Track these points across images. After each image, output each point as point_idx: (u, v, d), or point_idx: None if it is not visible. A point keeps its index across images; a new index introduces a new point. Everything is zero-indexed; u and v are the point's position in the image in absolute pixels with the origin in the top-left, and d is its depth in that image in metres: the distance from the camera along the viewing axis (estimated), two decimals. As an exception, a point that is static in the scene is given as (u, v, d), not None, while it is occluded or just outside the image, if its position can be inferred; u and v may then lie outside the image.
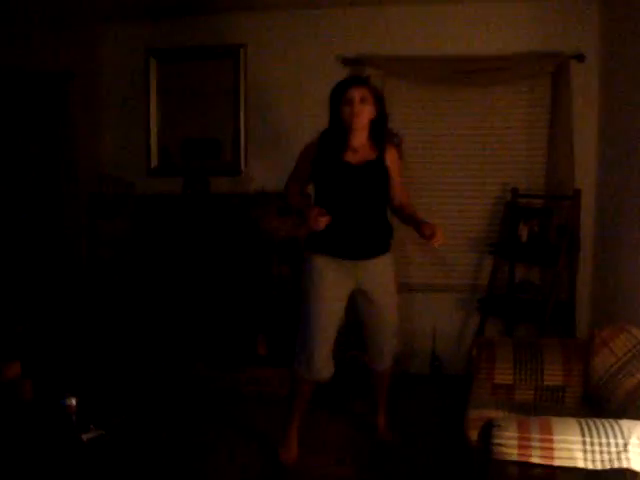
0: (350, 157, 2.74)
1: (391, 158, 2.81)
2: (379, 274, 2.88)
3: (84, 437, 2.30)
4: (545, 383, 2.75)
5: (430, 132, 4.12)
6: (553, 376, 2.77)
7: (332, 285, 2.79)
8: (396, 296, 3.00)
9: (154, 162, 4.44)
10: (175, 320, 4.14)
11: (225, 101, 4.31)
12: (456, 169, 4.12)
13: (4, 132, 3.90)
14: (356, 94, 2.65)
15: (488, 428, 1.93)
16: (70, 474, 2.21)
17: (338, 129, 2.71)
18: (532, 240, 3.81)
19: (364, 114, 2.67)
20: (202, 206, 4.16)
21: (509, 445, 1.85)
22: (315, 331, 2.79)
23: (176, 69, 4.38)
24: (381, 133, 2.79)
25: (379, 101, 2.74)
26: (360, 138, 2.74)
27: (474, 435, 2.14)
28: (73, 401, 2.38)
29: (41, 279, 3.92)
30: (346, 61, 4.07)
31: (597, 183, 3.90)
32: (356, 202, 2.73)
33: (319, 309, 2.79)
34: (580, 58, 3.82)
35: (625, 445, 1.83)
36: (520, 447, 1.83)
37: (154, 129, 4.43)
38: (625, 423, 1.93)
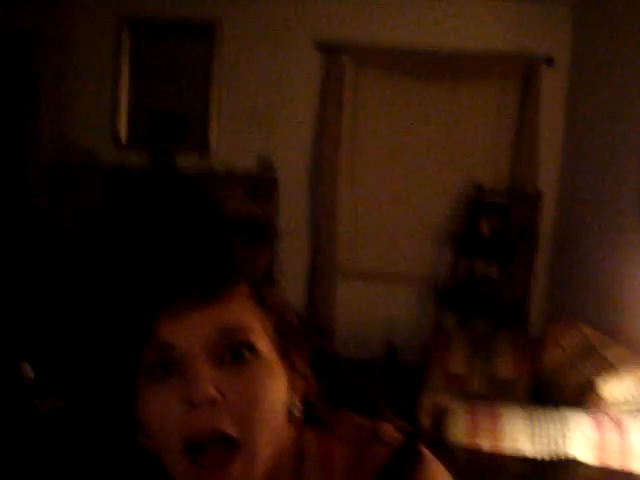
0: None
1: None
2: None
3: (40, 406, 2.28)
4: (497, 375, 2.84)
5: (398, 123, 4.16)
6: (505, 369, 2.87)
7: None
8: None
9: (122, 134, 4.37)
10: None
11: (198, 77, 4.27)
12: (422, 162, 4.17)
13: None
14: (193, 339, 0.64)
15: (441, 414, 2.00)
16: (24, 443, 2.19)
17: None
18: (493, 236, 3.90)
19: (257, 415, 0.64)
20: (167, 183, 4.11)
21: (459, 429, 1.92)
22: None
23: (150, 41, 4.30)
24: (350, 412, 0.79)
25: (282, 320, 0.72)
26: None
27: (426, 421, 2.20)
28: (29, 369, 2.36)
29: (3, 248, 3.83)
30: (321, 46, 4.07)
31: (559, 184, 4.01)
32: None
33: None
34: (550, 62, 3.90)
35: (567, 433, 1.92)
36: (470, 431, 1.90)
37: (123, 101, 4.35)
38: (568, 412, 2.02)
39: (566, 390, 2.49)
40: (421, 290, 4.26)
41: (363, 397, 0.81)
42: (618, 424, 1.96)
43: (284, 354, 0.69)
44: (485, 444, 1.89)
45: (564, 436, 1.92)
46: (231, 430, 0.62)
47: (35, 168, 4.09)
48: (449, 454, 1.94)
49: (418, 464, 0.71)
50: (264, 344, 0.66)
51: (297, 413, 0.70)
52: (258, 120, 4.13)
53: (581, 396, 2.34)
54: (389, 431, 0.74)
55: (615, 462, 1.89)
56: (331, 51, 4.05)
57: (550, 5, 3.91)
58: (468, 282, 4.09)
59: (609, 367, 2.31)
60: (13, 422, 2.27)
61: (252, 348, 0.65)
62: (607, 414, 2.10)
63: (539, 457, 1.90)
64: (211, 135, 4.27)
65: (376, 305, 4.23)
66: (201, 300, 0.63)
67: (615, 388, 2.18)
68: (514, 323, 3.82)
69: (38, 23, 4.02)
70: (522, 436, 1.91)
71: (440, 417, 2.00)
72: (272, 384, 0.66)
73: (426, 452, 0.74)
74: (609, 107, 3.32)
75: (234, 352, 0.64)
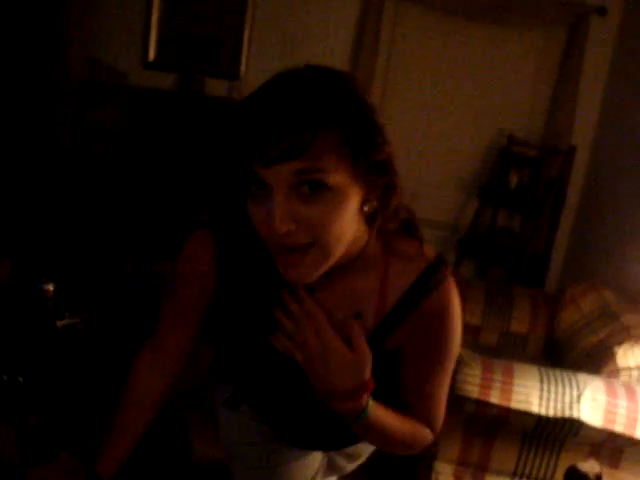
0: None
1: (421, 329, 1.05)
2: None
3: (58, 323, 2.34)
4: (511, 329, 2.85)
5: (434, 65, 4.03)
6: (519, 323, 2.87)
7: None
8: None
9: (152, 54, 4.29)
10: (153, 217, 4.12)
11: (234, 1, 4.15)
12: (455, 107, 4.07)
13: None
14: (279, 177, 0.85)
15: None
16: (42, 358, 2.25)
17: (250, 244, 1.00)
18: (520, 189, 3.83)
19: (324, 231, 0.88)
20: (196, 107, 4.07)
21: (472, 382, 1.93)
22: None
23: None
24: (400, 239, 1.07)
25: (373, 156, 0.90)
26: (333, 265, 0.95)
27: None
28: (50, 287, 2.39)
29: (25, 167, 3.85)
30: (363, -24, 3.92)
31: (593, 142, 3.90)
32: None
33: None
34: (602, 11, 3.72)
35: (579, 396, 1.93)
36: (482, 386, 1.92)
37: (155, 20, 4.25)
38: (582, 376, 2.03)
39: (579, 350, 2.50)
40: (441, 236, 4.23)
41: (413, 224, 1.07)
42: (629, 391, 1.96)
43: (366, 181, 0.89)
44: (495, 398, 1.91)
45: (573, 397, 1.93)
46: (306, 241, 0.86)
47: (63, 86, 4.05)
48: (458, 403, 1.96)
49: (440, 284, 1.02)
50: (339, 179, 0.84)
51: (371, 220, 0.96)
52: (291, 49, 4.03)
53: (594, 358, 2.34)
54: (428, 252, 1.05)
55: (621, 427, 1.91)
56: (371, -16, 3.89)
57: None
58: (490, 232, 4.06)
59: (625, 332, 2.30)
60: (32, 336, 2.32)
61: (326, 186, 0.84)
62: (619, 379, 2.11)
63: (545, 415, 1.92)
64: (242, 62, 4.18)
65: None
66: (284, 157, 0.81)
67: (630, 354, 2.18)
68: (533, 278, 3.80)
69: None
70: (532, 392, 1.93)
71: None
72: (340, 209, 0.86)
73: (450, 278, 1.03)
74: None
75: (310, 185, 0.83)
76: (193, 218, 1.15)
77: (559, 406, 1.93)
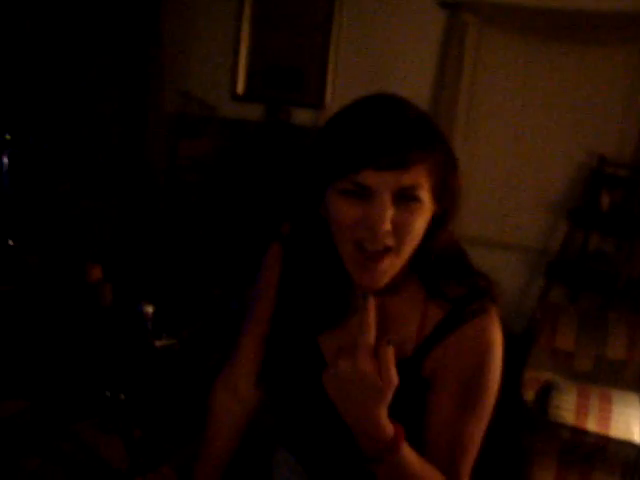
0: (336, 342, 1.03)
1: (455, 355, 1.01)
2: None
3: (157, 344, 2.45)
4: (607, 355, 2.74)
5: (520, 86, 3.98)
6: (616, 349, 2.76)
7: None
8: None
9: (240, 87, 4.48)
10: (246, 243, 4.25)
11: (317, 33, 4.28)
12: (542, 128, 3.99)
13: (95, 39, 3.98)
14: (385, 185, 0.92)
15: (547, 390, 1.97)
16: (141, 377, 2.37)
17: (318, 253, 1.05)
18: (613, 210, 3.70)
19: (409, 238, 0.96)
20: (283, 136, 4.20)
21: (567, 409, 1.88)
22: None
23: (271, -4, 4.35)
24: (448, 268, 1.07)
25: (448, 186, 1.00)
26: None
27: (529, 395, 2.17)
28: (149, 308, 2.52)
29: (125, 192, 4.08)
30: (444, 4, 3.95)
31: (692, 160, 3.73)
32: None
33: None
34: (696, 25, 3.59)
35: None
36: (578, 412, 1.87)
37: (243, 54, 4.44)
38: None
39: (682, 378, 2.38)
40: (529, 261, 4.13)
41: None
42: None
43: (439, 203, 0.97)
44: (592, 425, 1.85)
45: (678, 426, 1.84)
46: (391, 243, 0.93)
47: (156, 117, 4.29)
48: (553, 430, 1.91)
49: (481, 313, 0.99)
50: (427, 196, 0.94)
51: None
52: (375, 76, 4.10)
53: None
54: (454, 290, 1.03)
55: None
56: (454, 9, 3.91)
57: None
58: (581, 256, 3.93)
59: None
60: (132, 356, 2.45)
61: (418, 199, 0.93)
62: None
63: (648, 444, 1.84)
64: (327, 91, 4.29)
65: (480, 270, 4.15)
66: (395, 166, 0.90)
67: None
68: (628, 303, 3.64)
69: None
70: (633, 420, 1.86)
71: (545, 393, 1.97)
72: (422, 221, 0.95)
73: (494, 311, 1.01)
74: None
75: (406, 198, 0.92)
76: (274, 231, 1.20)
77: (662, 435, 1.84)
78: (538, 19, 3.82)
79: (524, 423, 2.12)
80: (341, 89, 4.29)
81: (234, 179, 4.30)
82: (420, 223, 0.95)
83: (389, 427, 0.89)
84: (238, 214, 4.29)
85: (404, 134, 0.91)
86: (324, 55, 4.27)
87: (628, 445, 1.87)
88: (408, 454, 0.91)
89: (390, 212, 0.91)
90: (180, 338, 2.52)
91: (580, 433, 1.87)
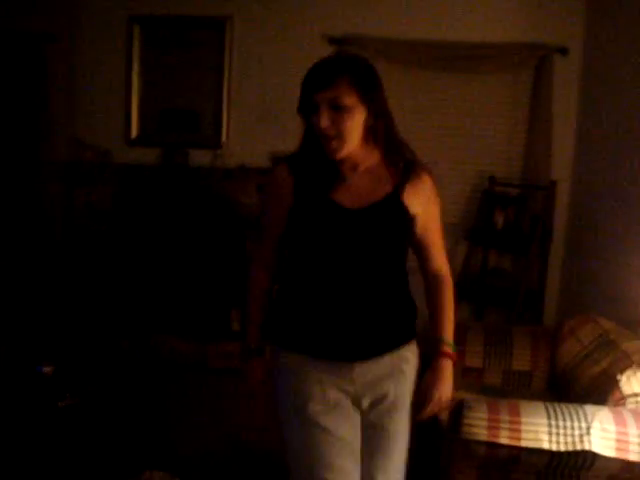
0: (344, 196, 1.63)
1: (420, 195, 1.69)
2: (388, 381, 1.70)
3: (60, 404, 2.32)
4: (513, 368, 2.84)
5: (409, 116, 4.13)
6: (521, 361, 2.87)
7: (327, 398, 1.65)
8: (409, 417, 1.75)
9: (134, 131, 4.39)
10: (150, 292, 4.13)
11: (209, 73, 4.28)
12: (434, 155, 4.12)
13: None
14: (322, 100, 1.56)
15: (459, 409, 2.00)
16: (45, 439, 2.23)
17: (317, 149, 1.63)
18: (507, 228, 3.88)
19: (344, 128, 1.57)
20: (181, 179, 4.14)
21: (479, 425, 1.92)
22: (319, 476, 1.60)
23: (160, 38, 4.31)
24: (393, 146, 1.68)
25: (372, 94, 1.60)
26: (358, 161, 1.67)
27: (444, 415, 2.20)
28: (49, 369, 2.39)
29: (19, 248, 3.87)
30: (332, 40, 4.06)
31: (573, 175, 3.98)
32: (352, 273, 1.63)
33: (315, 440, 1.62)
34: (564, 52, 3.87)
35: (588, 428, 1.92)
36: (489, 428, 1.91)
37: (135, 98, 4.37)
38: (589, 408, 2.02)
39: (583, 382, 2.49)
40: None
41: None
42: (638, 418, 1.96)
43: (369, 106, 1.58)
44: (504, 438, 1.90)
45: (582, 429, 1.92)
46: (332, 133, 1.57)
47: (49, 166, 4.13)
48: (467, 448, 1.94)
49: (420, 167, 1.71)
50: (352, 102, 1.55)
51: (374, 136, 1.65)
52: (269, 115, 4.13)
53: (599, 389, 2.34)
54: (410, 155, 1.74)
55: (635, 455, 1.89)
56: (342, 45, 4.03)
57: (562, -7, 3.88)
58: (482, 274, 4.09)
59: (627, 359, 2.30)
60: (32, 415, 2.30)
61: (343, 104, 1.54)
62: (626, 407, 2.10)
63: (557, 450, 1.90)
64: (223, 130, 4.28)
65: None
66: (325, 86, 1.55)
67: (634, 380, 2.18)
68: (529, 315, 3.81)
69: (50, 22, 4.05)
70: (541, 429, 1.92)
71: (459, 411, 2.00)
72: (350, 118, 1.56)
73: (426, 169, 1.74)
74: (623, 96, 3.29)
75: (335, 105, 1.55)
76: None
77: (569, 440, 1.91)
78: (420, 52, 4.00)
79: (441, 444, 2.15)
80: (236, 126, 4.30)
81: (134, 225, 4.19)
82: (349, 119, 1.57)
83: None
84: (141, 260, 4.17)
85: (328, 67, 1.59)
86: (218, 95, 4.27)
87: (539, 452, 1.92)
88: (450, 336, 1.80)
89: (326, 115, 1.56)
90: (85, 396, 2.39)
91: (494, 447, 1.91)
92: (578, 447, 1.89)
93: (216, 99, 4.28)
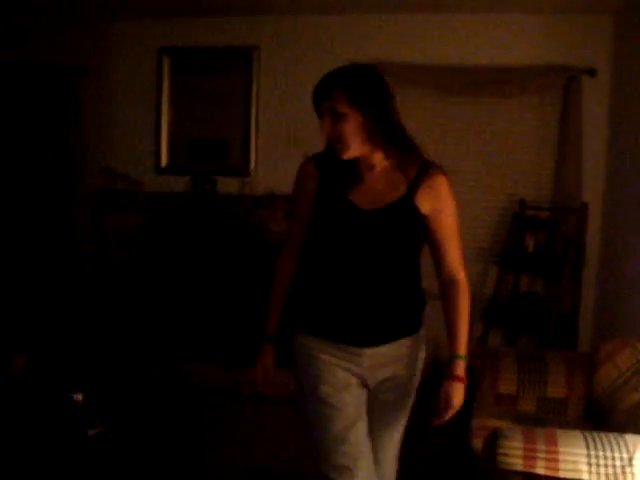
0: (359, 196, 1.77)
1: (432, 195, 1.78)
2: (393, 366, 1.90)
3: (90, 432, 2.32)
4: (548, 395, 2.77)
5: (439, 141, 4.13)
6: (556, 388, 2.79)
7: (336, 379, 1.83)
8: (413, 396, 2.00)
9: (164, 160, 4.46)
10: (181, 319, 4.15)
11: (236, 102, 4.34)
12: (464, 179, 4.12)
13: (15, 125, 3.92)
14: (325, 109, 1.73)
15: (493, 437, 1.94)
16: (75, 467, 2.22)
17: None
18: (538, 252, 3.82)
19: (341, 133, 1.71)
20: (210, 206, 4.18)
21: (514, 455, 1.86)
22: (331, 448, 1.80)
23: (189, 68, 4.40)
24: (406, 148, 1.79)
25: (366, 101, 1.71)
26: (373, 161, 1.78)
27: (478, 444, 2.15)
28: (80, 396, 2.39)
29: (49, 275, 3.93)
30: (357, 67, 4.08)
31: (604, 197, 3.92)
32: (363, 268, 1.78)
33: (326, 416, 1.81)
34: (592, 73, 3.84)
35: (630, 460, 1.85)
36: (525, 457, 1.84)
37: (165, 128, 4.45)
38: (630, 437, 1.94)
39: (622, 409, 2.41)
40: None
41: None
42: (681, 447, 1.88)
43: (363, 112, 1.69)
44: (541, 469, 1.83)
45: (624, 460, 1.84)
46: (334, 138, 1.71)
47: (82, 196, 4.20)
48: (503, 478, 1.89)
49: (433, 170, 1.78)
50: (346, 110, 1.68)
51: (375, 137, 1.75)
52: (297, 142, 4.15)
53: (638, 415, 2.26)
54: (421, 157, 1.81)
55: (679, 487, 1.81)
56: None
57: (591, 15, 3.85)
58: (514, 299, 4.02)
59: (668, 386, 2.22)
60: (63, 446, 2.30)
61: (340, 113, 1.69)
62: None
63: (597, 481, 1.83)
64: (251, 159, 4.32)
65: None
66: (324, 97, 1.71)
67: (675, 408, 2.10)
68: (563, 340, 3.73)
69: (83, 55, 4.15)
70: (580, 459, 1.85)
71: (494, 440, 1.95)
72: (348, 125, 1.69)
73: (441, 170, 1.80)
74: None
75: (334, 114, 1.69)
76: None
77: (611, 471, 1.84)
78: (448, 77, 4.01)
79: (474, 473, 2.09)
80: (264, 154, 4.34)
81: (163, 253, 4.22)
82: (345, 125, 1.70)
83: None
84: (171, 287, 4.20)
85: (327, 80, 1.73)
86: (246, 123, 4.33)
87: (578, 484, 1.85)
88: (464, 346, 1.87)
89: (329, 123, 1.72)
90: (113, 424, 2.39)
91: (531, 478, 1.85)
92: (620, 476, 1.82)
93: (244, 127, 4.33)
